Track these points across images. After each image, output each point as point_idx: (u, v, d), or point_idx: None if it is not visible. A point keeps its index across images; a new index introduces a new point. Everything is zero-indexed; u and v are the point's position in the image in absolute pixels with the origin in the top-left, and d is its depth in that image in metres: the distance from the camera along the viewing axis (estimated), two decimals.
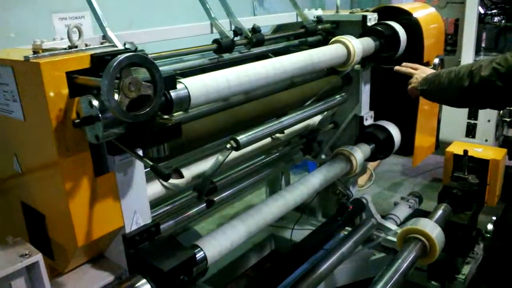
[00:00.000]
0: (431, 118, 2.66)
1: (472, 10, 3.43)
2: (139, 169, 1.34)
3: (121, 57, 0.95)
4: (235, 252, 2.70)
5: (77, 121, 1.06)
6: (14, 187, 1.46)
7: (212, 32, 1.88)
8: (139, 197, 1.36)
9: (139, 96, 1.01)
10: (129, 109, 1.03)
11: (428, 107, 2.55)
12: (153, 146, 1.17)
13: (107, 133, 1.06)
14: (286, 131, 2.27)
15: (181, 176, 1.79)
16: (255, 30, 1.87)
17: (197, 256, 1.43)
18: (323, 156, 2.65)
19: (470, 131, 3.34)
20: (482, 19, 3.63)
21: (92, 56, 1.16)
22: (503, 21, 3.55)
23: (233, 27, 1.87)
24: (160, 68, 1.51)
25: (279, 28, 2.48)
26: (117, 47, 1.36)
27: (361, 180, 4.35)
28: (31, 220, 1.44)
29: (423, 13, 2.33)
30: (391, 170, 4.57)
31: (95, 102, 1.04)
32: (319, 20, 2.30)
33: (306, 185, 2.00)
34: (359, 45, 1.93)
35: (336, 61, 1.89)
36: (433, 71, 1.96)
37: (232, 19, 1.92)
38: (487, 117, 3.32)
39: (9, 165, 1.41)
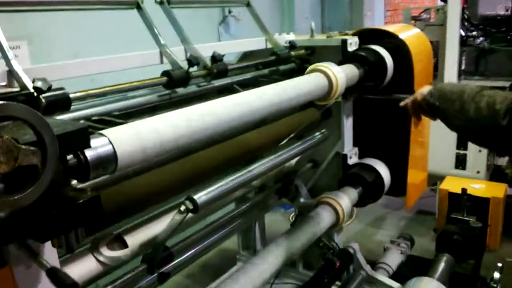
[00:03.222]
0: (423, 149, 2.35)
1: (454, 32, 3.20)
2: (50, 257, 0.94)
3: None
4: None
5: None
6: None
7: (162, 62, 1.53)
8: None
9: (18, 168, 0.64)
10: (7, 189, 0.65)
11: (420, 137, 2.24)
12: (56, 237, 0.79)
13: None
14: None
15: (125, 246, 1.40)
16: (215, 58, 1.52)
17: None
18: (301, 200, 2.30)
19: (460, 162, 3.05)
20: (463, 42, 3.40)
21: None
22: (485, 43, 3.33)
23: (188, 56, 1.53)
24: (87, 111, 1.14)
25: (245, 56, 2.16)
26: (18, 87, 0.99)
27: None
28: None
29: (409, 34, 2.05)
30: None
31: None
32: (292, 45, 1.99)
33: (284, 248, 1.63)
34: (341, 74, 1.61)
35: (316, 94, 1.55)
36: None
37: (187, 46, 1.58)
38: (478, 147, 3.04)
39: None
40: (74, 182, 0.88)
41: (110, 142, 0.86)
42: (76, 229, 0.81)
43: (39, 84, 1.07)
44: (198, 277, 3.14)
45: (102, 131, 0.87)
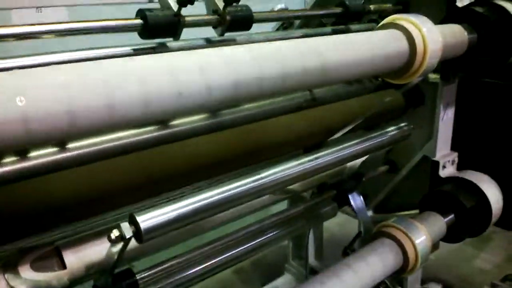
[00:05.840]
0: None
1: None
2: None
3: None
4: None
5: None
6: None
7: (150, 1, 1.03)
8: None
9: None
10: None
11: None
12: None
13: None
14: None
15: (63, 267, 0.95)
16: None
17: None
18: (369, 213, 1.71)
19: None
20: None
21: None
22: None
23: None
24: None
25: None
26: None
27: None
28: None
29: None
30: None
31: None
32: None
33: None
34: (435, 35, 0.96)
35: (386, 64, 0.93)
36: None
37: None
38: None
39: None
40: None
41: None
42: None
43: None
44: (247, 274, 2.72)
45: None
